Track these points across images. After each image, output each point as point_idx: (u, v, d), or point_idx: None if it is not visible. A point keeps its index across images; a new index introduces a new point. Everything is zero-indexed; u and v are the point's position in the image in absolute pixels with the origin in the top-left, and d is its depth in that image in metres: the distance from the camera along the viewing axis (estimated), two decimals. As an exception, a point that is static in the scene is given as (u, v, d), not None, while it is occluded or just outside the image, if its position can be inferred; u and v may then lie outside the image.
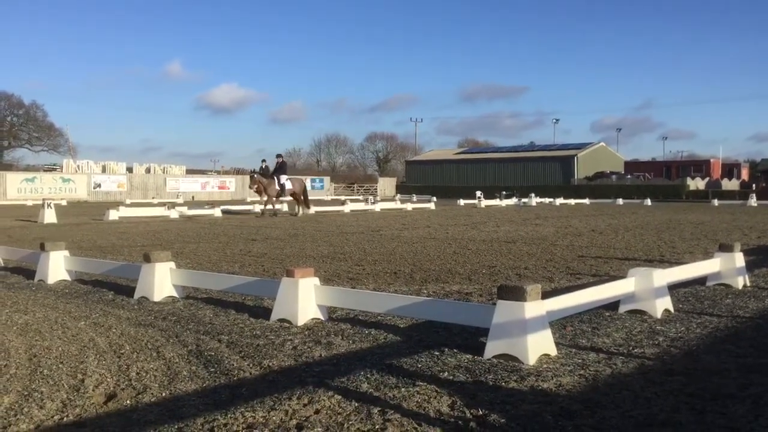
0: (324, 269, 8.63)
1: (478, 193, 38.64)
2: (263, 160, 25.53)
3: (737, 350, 4.50)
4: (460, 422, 3.17)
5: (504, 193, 47.21)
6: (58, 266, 7.73)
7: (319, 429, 3.09)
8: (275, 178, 23.80)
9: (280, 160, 24.70)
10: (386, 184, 71.70)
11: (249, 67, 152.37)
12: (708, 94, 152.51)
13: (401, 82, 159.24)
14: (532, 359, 4.15)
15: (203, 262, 9.67)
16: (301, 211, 24.30)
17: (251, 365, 4.17)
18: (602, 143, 73.52)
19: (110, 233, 15.53)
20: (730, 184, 55.55)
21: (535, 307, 4.22)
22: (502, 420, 3.18)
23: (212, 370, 4.07)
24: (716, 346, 4.65)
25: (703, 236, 14.62)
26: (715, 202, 39.50)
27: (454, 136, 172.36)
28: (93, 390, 3.68)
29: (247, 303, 6.32)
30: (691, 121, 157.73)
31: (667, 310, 5.74)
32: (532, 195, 41.52)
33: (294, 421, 3.17)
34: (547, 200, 42.35)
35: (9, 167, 60.18)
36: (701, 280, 7.26)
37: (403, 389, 3.66)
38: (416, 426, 3.11)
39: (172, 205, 25.71)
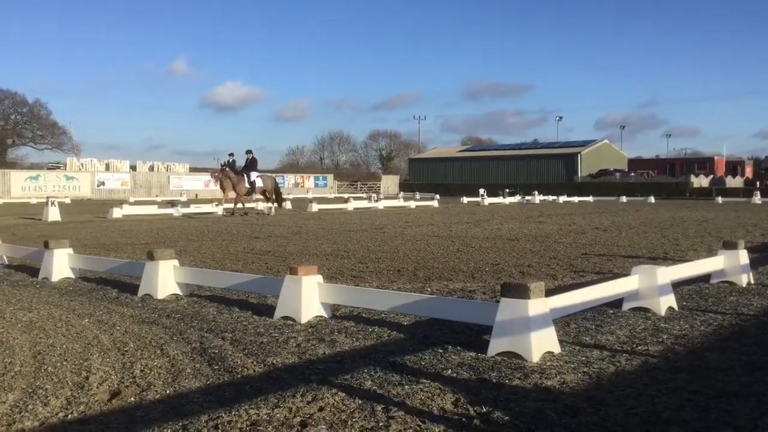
0: (327, 267, 8.64)
1: (482, 191, 38.55)
2: (230, 154, 23.46)
3: (741, 348, 4.49)
4: (463, 419, 3.17)
5: (507, 190, 47.08)
6: (62, 264, 7.75)
7: (323, 426, 3.09)
8: (245, 175, 22.56)
9: (251, 156, 23.19)
10: (389, 182, 71.62)
11: (253, 64, 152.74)
12: (712, 91, 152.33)
13: (405, 80, 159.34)
14: (535, 357, 4.14)
15: (207, 259, 9.69)
16: (273, 211, 23.35)
17: (255, 363, 4.18)
18: (606, 141, 73.34)
19: (114, 231, 15.57)
20: (734, 182, 55.46)
21: (538, 305, 4.21)
22: (506, 417, 3.18)
23: (216, 367, 4.08)
24: (720, 343, 4.64)
25: (706, 234, 14.58)
26: (719, 199, 39.38)
27: (457, 134, 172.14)
28: (97, 387, 3.69)
29: (251, 301, 6.33)
30: (695, 118, 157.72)
31: (671, 308, 5.72)
32: (536, 192, 41.52)
33: (298, 419, 3.18)
34: (550, 198, 42.26)
35: (13, 165, 60.46)
36: (705, 278, 7.24)
37: (406, 386, 3.66)
38: (420, 423, 3.11)
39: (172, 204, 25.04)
